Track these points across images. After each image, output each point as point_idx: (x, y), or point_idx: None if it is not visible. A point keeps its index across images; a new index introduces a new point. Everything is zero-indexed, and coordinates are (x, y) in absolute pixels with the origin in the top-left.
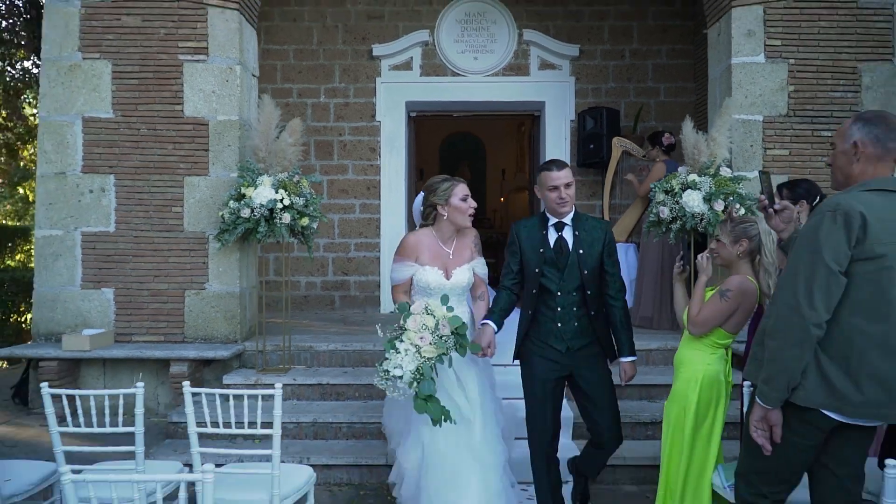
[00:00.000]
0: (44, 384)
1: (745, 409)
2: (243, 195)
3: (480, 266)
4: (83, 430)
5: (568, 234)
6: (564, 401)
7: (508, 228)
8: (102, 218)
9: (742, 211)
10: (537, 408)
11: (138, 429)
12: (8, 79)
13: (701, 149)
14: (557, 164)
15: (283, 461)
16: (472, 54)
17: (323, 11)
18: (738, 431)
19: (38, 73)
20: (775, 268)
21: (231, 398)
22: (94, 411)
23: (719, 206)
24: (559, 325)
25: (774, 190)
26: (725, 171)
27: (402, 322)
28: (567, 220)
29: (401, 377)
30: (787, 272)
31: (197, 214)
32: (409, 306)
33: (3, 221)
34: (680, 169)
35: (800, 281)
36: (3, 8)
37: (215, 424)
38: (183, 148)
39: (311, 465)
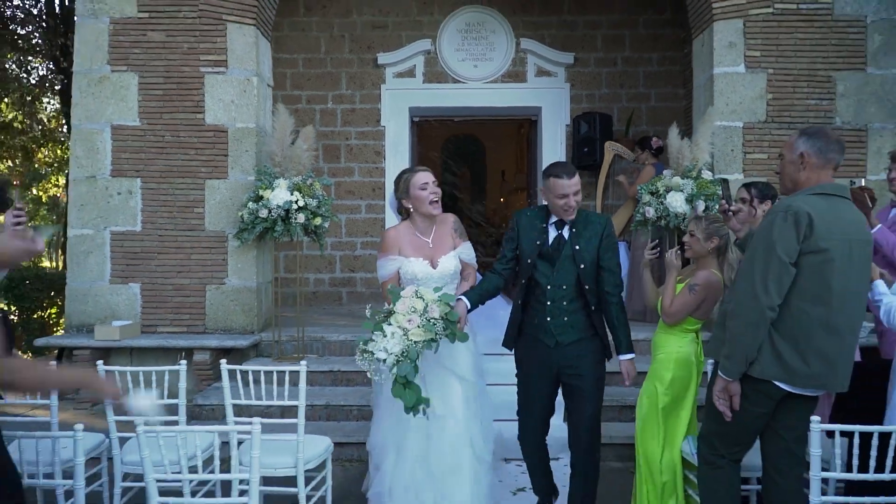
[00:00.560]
0: (99, 362)
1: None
2: (261, 197)
3: (466, 251)
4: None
5: (567, 231)
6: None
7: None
8: (130, 218)
9: (715, 209)
10: (527, 401)
11: (181, 400)
12: (24, 84)
13: (684, 153)
14: (568, 172)
15: None
16: (472, 62)
17: (330, 22)
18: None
19: (52, 78)
20: (738, 262)
21: (262, 374)
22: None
23: (700, 206)
24: (548, 319)
25: (734, 194)
26: (707, 174)
27: (391, 305)
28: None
29: (384, 360)
30: (745, 264)
31: (217, 215)
32: (400, 289)
33: None
34: (665, 172)
35: (756, 271)
36: (21, 16)
37: (248, 397)
38: (204, 153)
39: None
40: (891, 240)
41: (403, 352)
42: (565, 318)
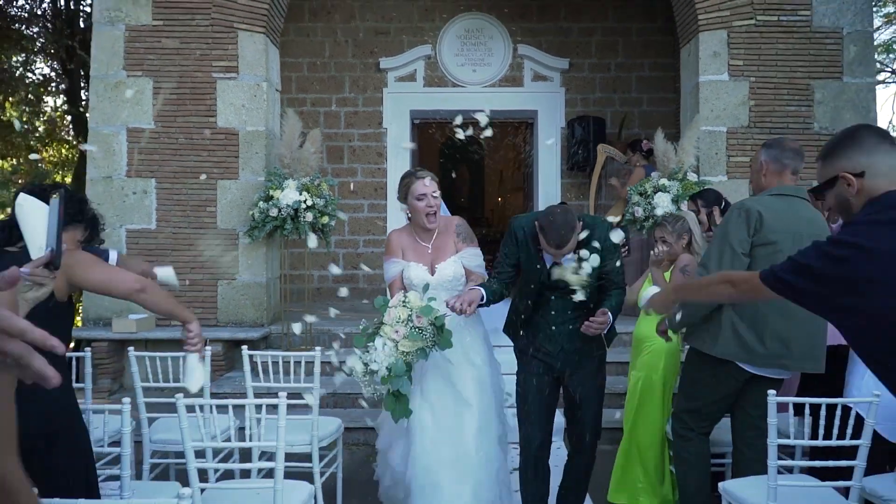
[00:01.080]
0: (130, 348)
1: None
2: (271, 197)
3: (470, 257)
4: (161, 384)
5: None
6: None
7: (505, 227)
8: (145, 216)
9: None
10: (528, 409)
11: (207, 382)
12: (28, 83)
13: (670, 156)
14: (557, 241)
15: None
16: (471, 67)
17: (334, 28)
18: None
19: (57, 79)
20: (703, 249)
21: (280, 360)
22: (155, 374)
23: (685, 207)
24: (553, 327)
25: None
26: (692, 176)
27: (381, 317)
28: None
29: (376, 372)
30: (704, 254)
31: (228, 214)
32: (387, 300)
33: None
34: (653, 174)
35: (713, 258)
36: (25, 16)
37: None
38: (216, 155)
39: None
40: None
41: (389, 366)
42: (570, 326)
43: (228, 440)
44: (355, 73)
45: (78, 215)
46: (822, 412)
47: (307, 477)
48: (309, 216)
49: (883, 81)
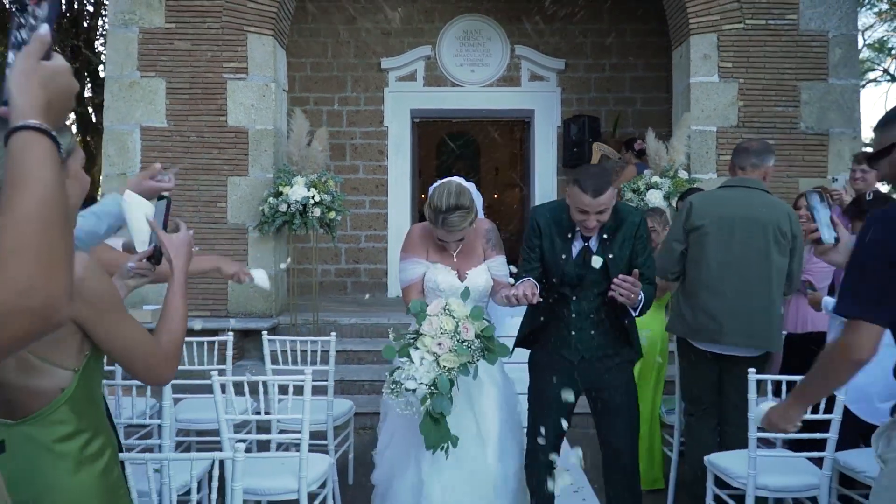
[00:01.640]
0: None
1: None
2: (280, 193)
3: (499, 265)
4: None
5: (595, 241)
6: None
7: (502, 223)
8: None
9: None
10: (540, 425)
11: (228, 366)
12: None
13: (661, 155)
14: (594, 186)
15: None
16: (470, 67)
17: (337, 29)
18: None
19: None
20: None
21: (298, 344)
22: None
23: (676, 204)
24: (573, 333)
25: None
26: (682, 174)
27: (417, 325)
28: None
29: (414, 391)
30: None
31: (238, 209)
32: (425, 306)
33: None
34: (645, 171)
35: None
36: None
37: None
38: (226, 153)
39: None
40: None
41: (434, 381)
42: (592, 332)
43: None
44: (357, 72)
45: None
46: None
47: (322, 453)
48: (317, 211)
49: (875, 80)
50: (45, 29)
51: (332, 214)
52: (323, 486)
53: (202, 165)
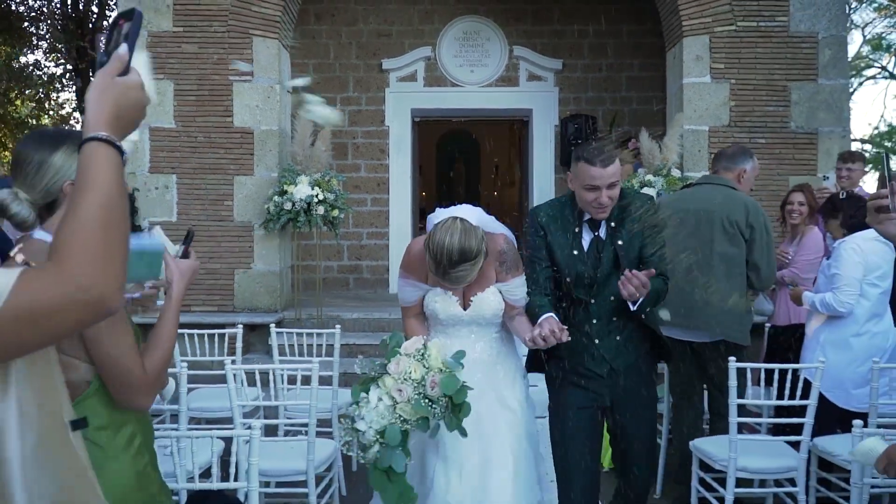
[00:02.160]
0: None
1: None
2: (285, 191)
3: (513, 288)
4: (189, 358)
5: (604, 230)
6: None
7: (502, 219)
8: (166, 210)
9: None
10: (571, 453)
11: (238, 357)
12: (38, 81)
13: (655, 154)
14: (602, 158)
15: None
16: (469, 67)
17: (339, 30)
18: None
19: (66, 76)
20: None
21: (304, 337)
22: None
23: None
24: (596, 341)
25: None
26: (675, 172)
27: (386, 360)
28: None
29: (363, 432)
30: None
31: (244, 207)
32: (402, 340)
33: None
34: (639, 170)
35: None
36: (34, 14)
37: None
38: (233, 153)
39: None
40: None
41: (379, 430)
42: (617, 337)
43: (257, 408)
44: (359, 73)
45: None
46: (775, 377)
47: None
48: (321, 209)
49: (872, 77)
50: (123, 49)
51: (336, 212)
52: (329, 469)
53: (209, 165)
